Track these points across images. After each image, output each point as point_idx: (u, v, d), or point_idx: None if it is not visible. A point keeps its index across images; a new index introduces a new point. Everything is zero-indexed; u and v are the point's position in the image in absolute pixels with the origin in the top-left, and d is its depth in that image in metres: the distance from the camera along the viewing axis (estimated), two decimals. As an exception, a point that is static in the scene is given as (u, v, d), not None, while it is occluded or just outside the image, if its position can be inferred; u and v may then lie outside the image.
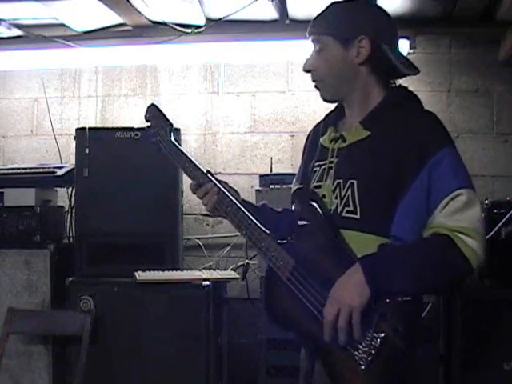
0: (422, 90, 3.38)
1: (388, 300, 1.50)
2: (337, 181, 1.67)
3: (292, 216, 1.75)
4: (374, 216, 1.61)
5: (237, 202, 1.76)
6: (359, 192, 1.62)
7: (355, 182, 1.63)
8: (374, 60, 1.68)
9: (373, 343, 1.47)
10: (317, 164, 1.77)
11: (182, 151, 1.82)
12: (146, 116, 1.87)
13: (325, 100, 1.76)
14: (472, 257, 1.53)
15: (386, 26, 1.72)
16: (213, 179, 1.79)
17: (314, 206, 1.68)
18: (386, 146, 1.61)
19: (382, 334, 1.47)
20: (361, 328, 1.50)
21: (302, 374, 1.78)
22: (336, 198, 1.66)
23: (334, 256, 1.61)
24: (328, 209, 1.67)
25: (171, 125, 1.85)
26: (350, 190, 1.63)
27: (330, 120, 1.80)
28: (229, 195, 1.77)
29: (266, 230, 1.70)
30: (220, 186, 1.78)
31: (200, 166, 1.80)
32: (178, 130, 3.29)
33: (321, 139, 1.80)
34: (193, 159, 1.81)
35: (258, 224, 1.71)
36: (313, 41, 1.73)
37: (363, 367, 1.48)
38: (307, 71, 1.75)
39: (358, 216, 1.61)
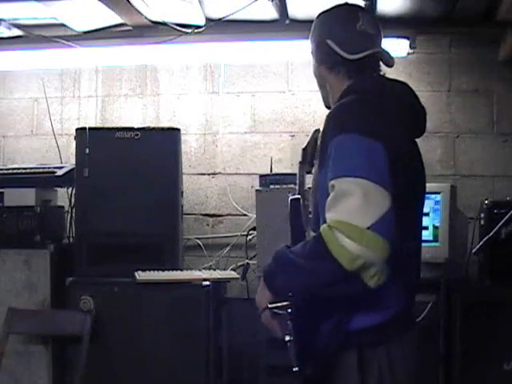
0: (421, 90, 3.36)
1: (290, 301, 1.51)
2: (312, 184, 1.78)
3: None
4: (315, 213, 1.67)
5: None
6: (312, 193, 1.71)
7: (312, 183, 1.72)
8: (324, 58, 1.71)
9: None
10: None
11: None
12: None
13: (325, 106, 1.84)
14: (340, 254, 1.37)
15: (336, 23, 1.71)
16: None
17: (291, 214, 1.80)
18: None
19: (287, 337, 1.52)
20: (276, 326, 1.59)
21: None
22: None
23: None
24: (304, 214, 1.80)
25: None
26: (311, 192, 1.73)
27: None
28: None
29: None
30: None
31: None
32: (178, 130, 3.30)
33: None
34: None
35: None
36: None
37: (294, 369, 1.52)
38: None
39: (311, 216, 1.71)
